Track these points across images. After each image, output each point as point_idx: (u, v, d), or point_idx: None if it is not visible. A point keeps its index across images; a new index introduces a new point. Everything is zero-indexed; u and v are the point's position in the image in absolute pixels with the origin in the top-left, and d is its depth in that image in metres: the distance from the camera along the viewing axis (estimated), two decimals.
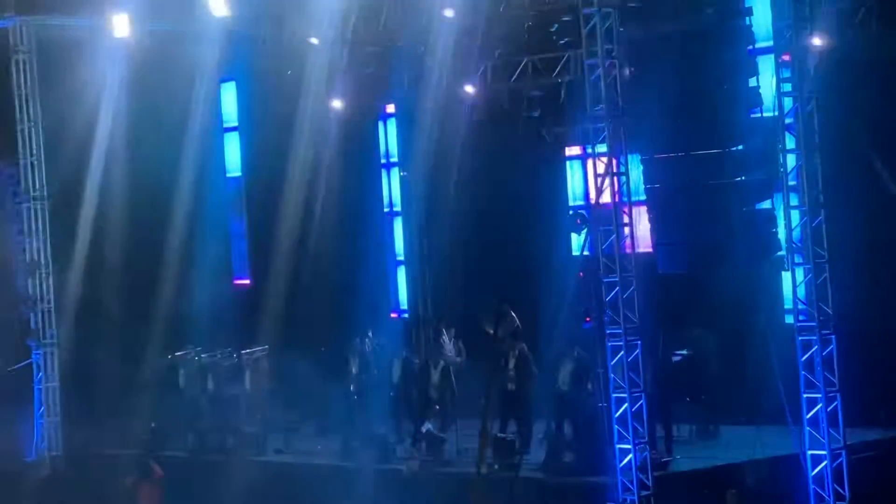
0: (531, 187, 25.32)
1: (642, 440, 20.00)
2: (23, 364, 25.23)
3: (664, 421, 21.87)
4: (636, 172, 20.39)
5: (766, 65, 19.69)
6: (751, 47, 19.28)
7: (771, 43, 19.80)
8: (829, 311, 19.46)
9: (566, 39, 23.10)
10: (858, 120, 22.86)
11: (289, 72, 26.37)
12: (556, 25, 22.99)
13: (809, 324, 19.41)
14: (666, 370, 22.10)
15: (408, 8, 24.69)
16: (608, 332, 20.21)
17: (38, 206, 25.30)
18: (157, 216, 27.67)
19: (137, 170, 27.80)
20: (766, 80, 19.49)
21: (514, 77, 25.26)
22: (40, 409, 25.17)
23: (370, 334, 25.92)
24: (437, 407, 23.44)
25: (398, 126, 28.79)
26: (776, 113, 19.60)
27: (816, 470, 19.39)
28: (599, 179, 20.43)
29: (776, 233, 19.28)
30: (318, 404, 25.31)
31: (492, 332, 22.61)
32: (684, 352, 23.96)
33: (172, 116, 27.83)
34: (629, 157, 20.34)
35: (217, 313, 26.30)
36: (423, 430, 22.87)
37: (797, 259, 19.51)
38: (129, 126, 27.60)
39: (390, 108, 28.45)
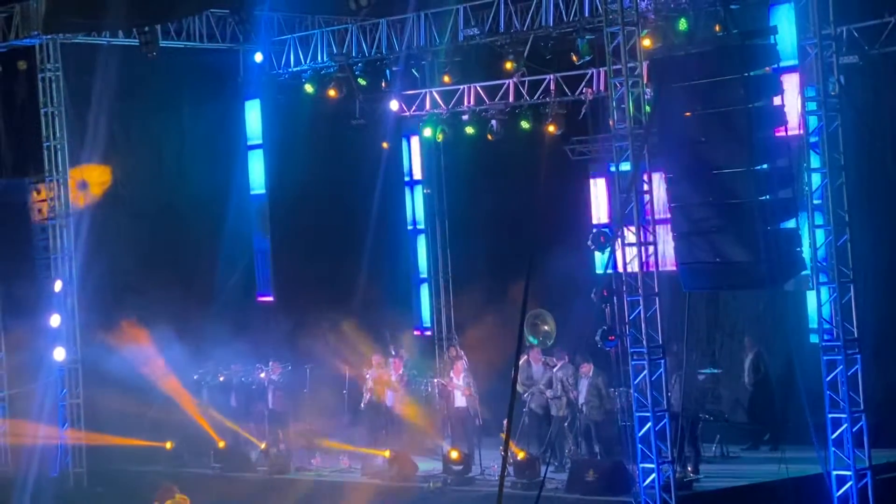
0: (554, 205, 25.30)
1: (665, 459, 19.95)
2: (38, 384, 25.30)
3: (692, 440, 21.81)
4: (660, 191, 20.36)
5: (790, 83, 19.63)
6: (776, 66, 19.22)
7: (796, 61, 19.76)
8: (854, 331, 19.39)
9: (589, 57, 23.08)
10: (883, 137, 22.84)
11: (309, 90, 26.44)
12: (580, 42, 22.95)
13: (834, 343, 19.36)
14: (693, 388, 22.06)
15: (432, 26, 24.73)
16: (631, 350, 20.19)
17: (63, 223, 25.37)
18: (181, 232, 27.73)
19: (163, 187, 27.89)
20: (791, 99, 19.43)
21: (538, 94, 25.27)
22: (64, 424, 25.22)
23: (393, 351, 25.91)
24: None
25: (422, 144, 28.82)
26: (801, 131, 19.58)
27: (841, 490, 19.33)
28: (623, 197, 20.41)
29: (801, 252, 19.21)
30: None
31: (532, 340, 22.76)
32: (710, 370, 23.95)
33: (196, 133, 27.96)
34: (653, 175, 20.34)
35: (240, 330, 26.31)
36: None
37: (822, 278, 19.45)
38: (153, 143, 27.76)
39: (413, 126, 28.45)
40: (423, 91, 26.95)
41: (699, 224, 19.45)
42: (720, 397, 24.19)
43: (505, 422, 20.60)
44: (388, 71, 26.03)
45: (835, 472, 19.37)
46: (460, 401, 24.11)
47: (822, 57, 19.33)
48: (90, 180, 25.71)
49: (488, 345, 25.00)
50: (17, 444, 25.43)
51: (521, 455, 22.17)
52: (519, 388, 23.44)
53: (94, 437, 25.11)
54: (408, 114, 27.50)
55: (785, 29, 20.00)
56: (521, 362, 23.48)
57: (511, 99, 25.69)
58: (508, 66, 24.24)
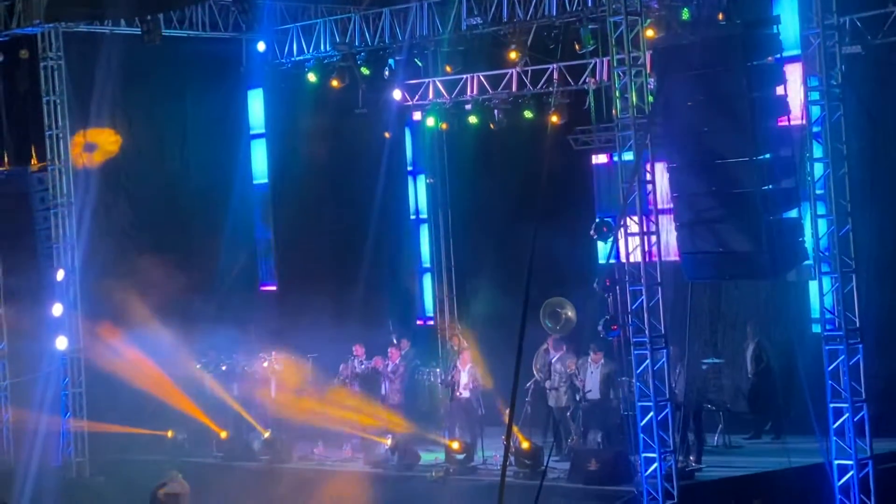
0: (557, 195, 25.29)
1: (667, 449, 19.96)
2: (40, 374, 25.33)
3: (695, 430, 21.82)
4: (663, 180, 20.35)
5: (793, 73, 19.62)
6: (778, 55, 19.20)
7: (799, 51, 19.74)
8: (856, 321, 19.40)
9: (593, 46, 23.06)
10: (886, 127, 22.82)
11: (312, 79, 26.42)
12: (583, 32, 22.94)
13: (836, 333, 19.37)
14: (695, 378, 22.07)
15: (434, 16, 24.71)
16: (634, 340, 20.19)
17: (65, 213, 25.38)
18: (184, 222, 27.74)
19: (165, 176, 27.91)
20: (794, 89, 19.42)
21: (541, 84, 25.26)
22: (66, 414, 25.24)
23: (395, 340, 25.88)
24: None
25: (424, 133, 28.81)
26: (804, 121, 19.57)
27: (843, 480, 19.35)
28: (626, 187, 20.41)
29: (803, 242, 19.21)
30: None
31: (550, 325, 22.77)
32: (712, 360, 23.97)
33: (199, 123, 27.96)
34: (655, 164, 20.33)
35: (243, 319, 26.33)
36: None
37: (824, 268, 19.46)
38: (156, 133, 27.76)
39: (416, 116, 28.45)
40: (426, 80, 26.95)
41: (702, 214, 19.43)
42: (722, 387, 24.22)
43: (507, 410, 20.60)
44: (391, 60, 26.01)
45: (836, 462, 19.38)
46: (465, 392, 24.07)
47: (825, 47, 19.32)
48: (99, 143, 25.70)
49: (491, 334, 25.03)
50: (20, 434, 25.45)
51: (525, 444, 22.18)
52: (536, 375, 23.50)
53: (95, 426, 25.14)
54: (410, 103, 27.49)
55: (788, 18, 19.96)
56: (540, 349, 23.52)
57: (514, 88, 25.69)
58: (513, 55, 24.24)
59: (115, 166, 26.83)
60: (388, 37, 25.47)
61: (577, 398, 22.85)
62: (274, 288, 28.50)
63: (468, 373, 24.04)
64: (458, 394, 23.89)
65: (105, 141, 25.84)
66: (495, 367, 24.07)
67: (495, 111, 26.03)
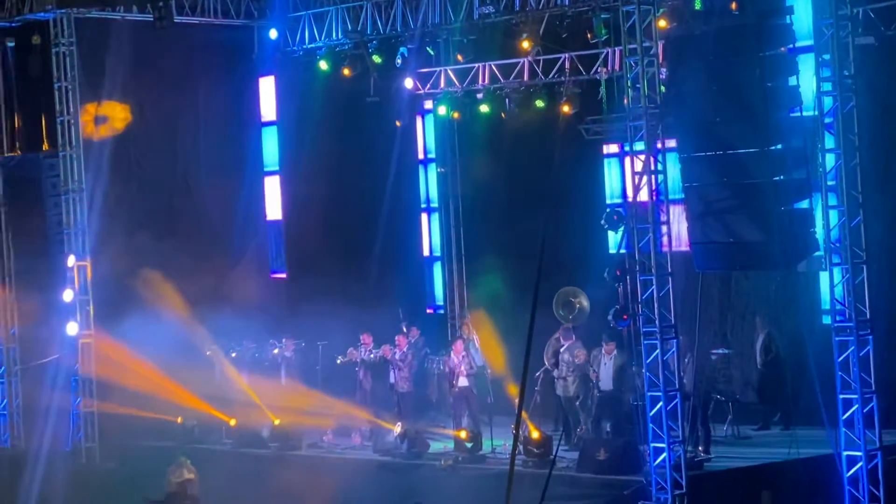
0: (568, 185, 25.29)
1: (677, 439, 19.97)
2: (50, 359, 25.39)
3: (703, 420, 21.83)
4: (674, 171, 20.34)
5: (806, 64, 19.59)
6: (791, 46, 19.17)
7: (811, 42, 19.71)
8: (867, 312, 19.38)
9: (605, 36, 23.04)
10: None
11: (323, 67, 26.42)
12: (595, 21, 22.92)
13: (846, 324, 19.36)
14: (705, 369, 22.07)
15: (446, 4, 24.70)
16: (644, 330, 20.20)
17: (77, 198, 25.42)
18: (195, 208, 27.77)
19: (177, 162, 27.94)
20: (807, 79, 19.39)
21: (552, 73, 25.24)
22: (77, 399, 25.30)
23: (404, 328, 25.89)
24: None
25: (435, 122, 28.81)
26: (816, 112, 19.55)
27: (852, 471, 19.35)
28: (637, 177, 20.41)
29: (814, 233, 19.20)
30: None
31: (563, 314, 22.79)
32: (722, 350, 23.95)
33: (210, 110, 27.97)
34: (667, 155, 20.32)
35: (253, 307, 26.36)
36: None
37: (835, 259, 19.44)
38: (167, 119, 27.78)
39: (428, 104, 28.44)
40: (438, 69, 26.93)
41: (713, 204, 19.43)
42: (731, 377, 24.21)
43: (516, 400, 20.63)
44: (402, 49, 25.98)
45: (845, 453, 19.38)
46: (462, 381, 24.05)
47: (838, 37, 19.28)
48: (110, 116, 25.76)
49: (501, 323, 25.04)
50: (30, 419, 25.52)
51: (534, 434, 22.18)
52: (547, 363, 23.50)
53: (105, 408, 25.19)
54: (422, 92, 27.48)
55: (801, 9, 19.95)
56: (552, 338, 23.52)
57: (526, 78, 25.67)
58: (525, 44, 24.21)
59: (126, 152, 26.87)
60: (400, 25, 25.45)
61: (591, 388, 22.85)
62: (284, 275, 28.53)
63: (463, 360, 24.02)
64: (454, 386, 23.88)
65: (116, 116, 25.87)
66: (506, 355, 24.09)
67: (507, 100, 26.01)
